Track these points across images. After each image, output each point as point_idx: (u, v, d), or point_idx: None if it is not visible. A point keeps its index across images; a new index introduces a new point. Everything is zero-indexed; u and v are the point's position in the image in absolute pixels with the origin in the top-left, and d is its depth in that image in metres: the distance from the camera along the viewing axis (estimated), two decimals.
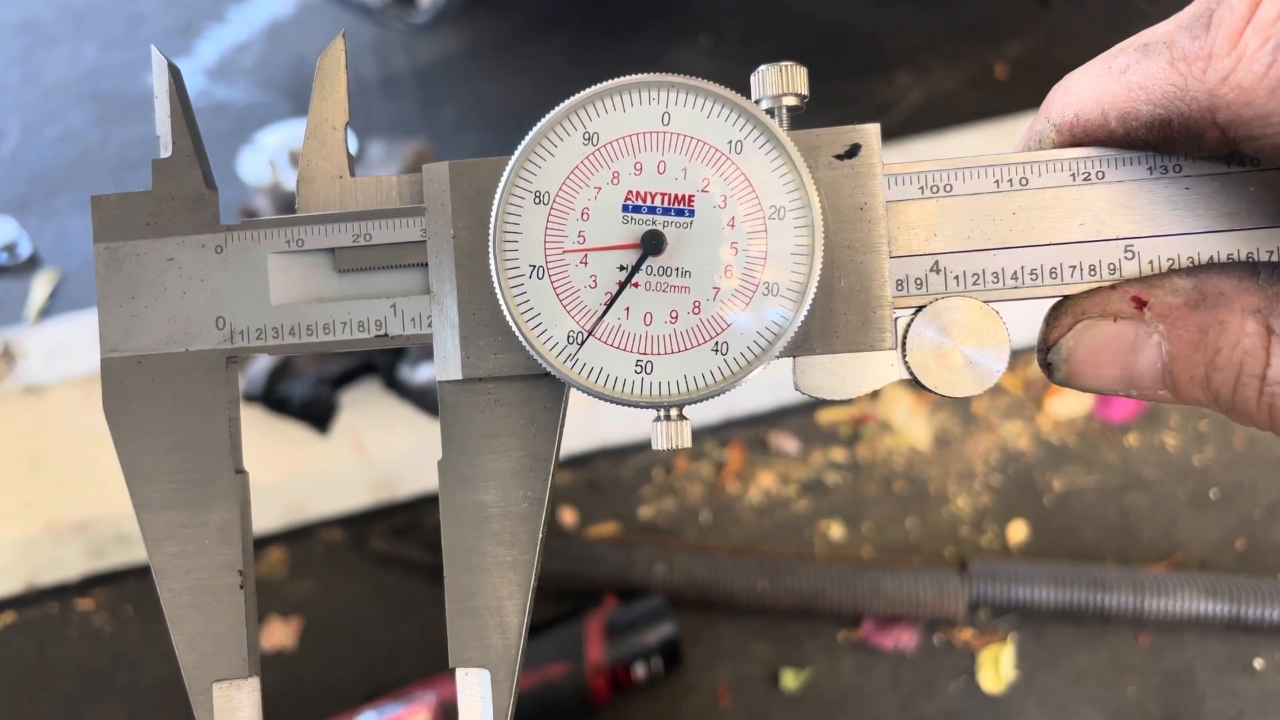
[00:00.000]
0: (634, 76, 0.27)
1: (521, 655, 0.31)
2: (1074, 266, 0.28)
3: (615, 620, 0.91)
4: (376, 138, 1.00)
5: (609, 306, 0.27)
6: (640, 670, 0.90)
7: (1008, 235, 0.28)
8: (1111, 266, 0.28)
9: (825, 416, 1.12)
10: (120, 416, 0.32)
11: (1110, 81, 0.26)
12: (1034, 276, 0.28)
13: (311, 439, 0.97)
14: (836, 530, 1.04)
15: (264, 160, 0.86)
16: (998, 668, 0.96)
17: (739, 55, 1.65)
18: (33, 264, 1.03)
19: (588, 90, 0.27)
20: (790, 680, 0.95)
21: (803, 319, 0.27)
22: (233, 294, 0.30)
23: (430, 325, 0.28)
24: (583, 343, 0.27)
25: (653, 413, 0.29)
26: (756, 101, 0.28)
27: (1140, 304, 0.27)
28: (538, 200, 0.28)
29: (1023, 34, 1.62)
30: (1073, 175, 0.29)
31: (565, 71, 1.59)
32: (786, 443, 1.10)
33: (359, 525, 1.06)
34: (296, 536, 1.05)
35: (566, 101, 0.28)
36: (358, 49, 1.64)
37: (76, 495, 0.97)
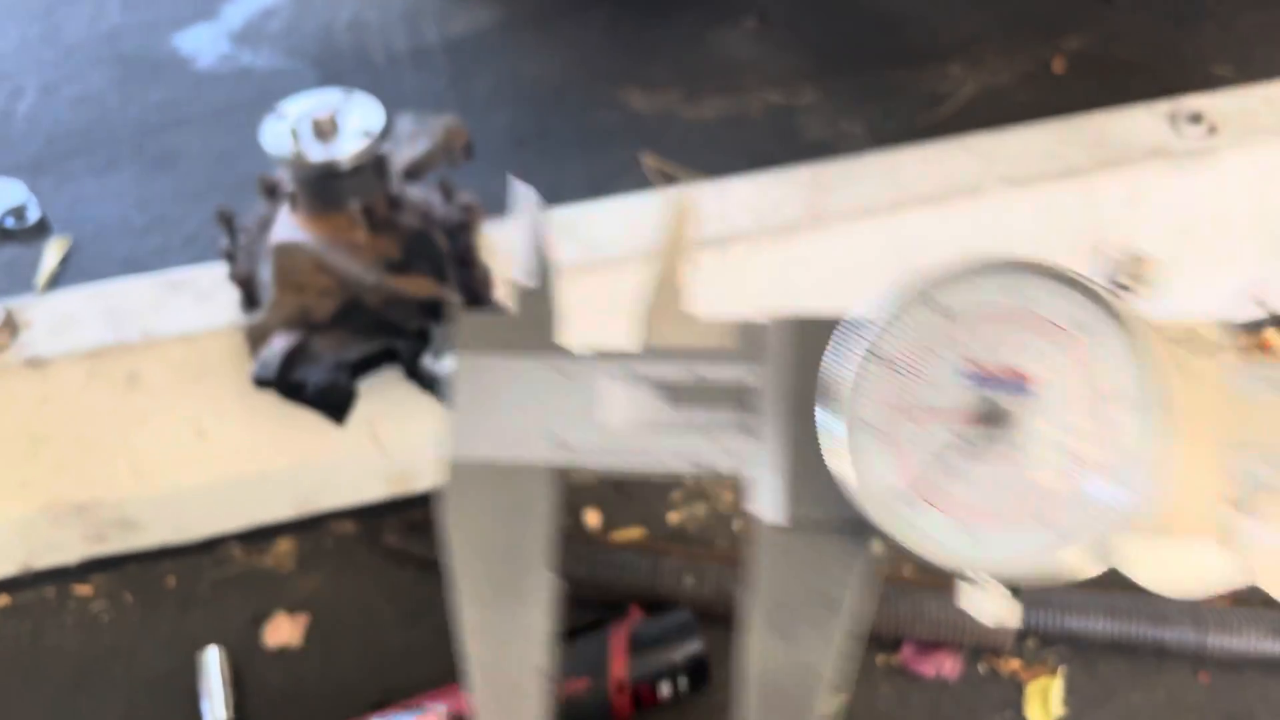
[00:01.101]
0: (1000, 258, 0.28)
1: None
2: None
3: (640, 634, 0.86)
4: (405, 111, 0.94)
5: (943, 472, 0.29)
6: (665, 689, 0.84)
7: None
8: None
9: None
10: (459, 513, 0.34)
11: None
12: None
13: (325, 426, 0.91)
14: (877, 546, 0.98)
15: (286, 130, 0.80)
16: (1046, 701, 0.90)
17: (784, 39, 1.58)
18: (41, 229, 0.98)
19: (947, 271, 0.29)
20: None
21: (1144, 504, 0.27)
22: (567, 413, 0.33)
23: (753, 468, 0.31)
24: (915, 504, 0.30)
25: (992, 602, 0.29)
26: (1107, 285, 0.28)
27: None
28: (880, 361, 0.30)
29: (1082, 28, 1.54)
30: None
31: (603, 48, 1.53)
32: None
33: (372, 518, 1.01)
34: (306, 527, 1.00)
35: (926, 278, 0.29)
36: (387, 18, 1.58)
37: (77, 476, 0.93)
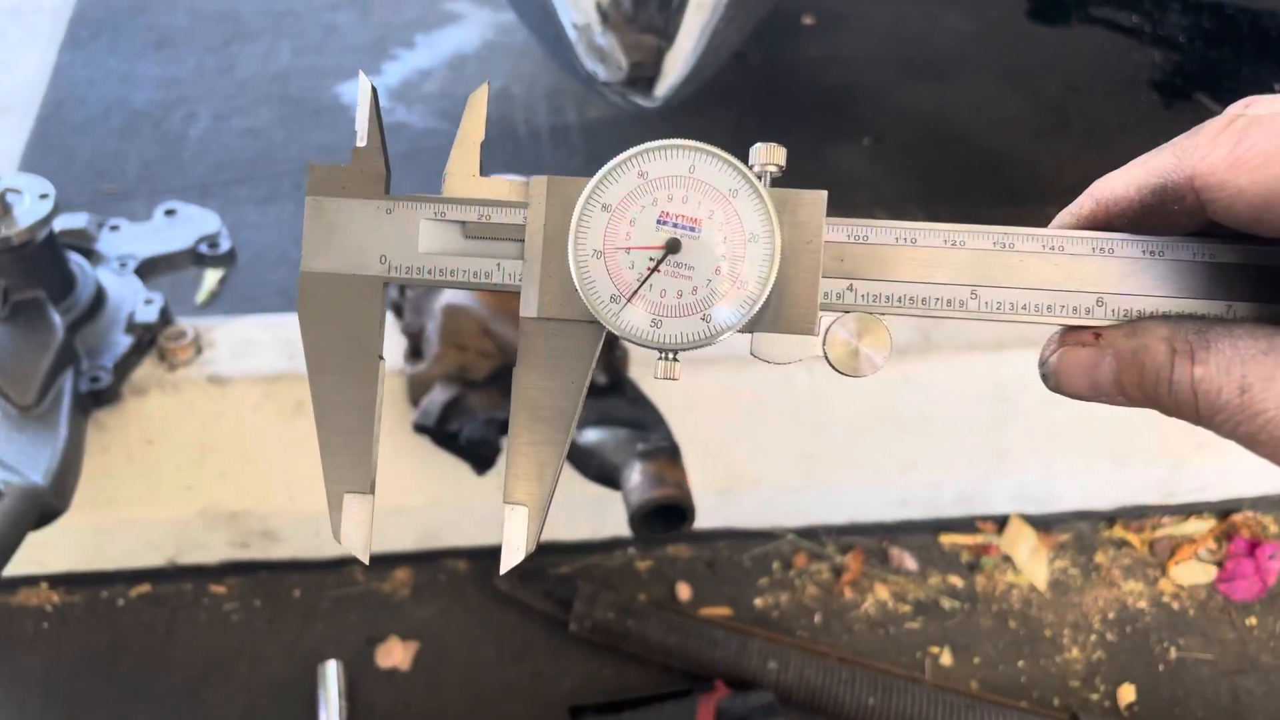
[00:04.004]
0: (675, 140, 0.41)
1: (548, 504, 0.45)
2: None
3: (727, 708, 0.93)
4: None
5: (641, 283, 0.41)
6: None
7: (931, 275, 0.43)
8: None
9: (948, 539, 1.14)
10: (308, 311, 0.44)
11: (1135, 167, 0.40)
12: (955, 306, 0.42)
13: (462, 473, 1.00)
14: (946, 658, 1.05)
15: None
16: None
17: (895, 161, 1.68)
18: (231, 258, 1.09)
19: (645, 145, 0.41)
20: None
21: (760, 306, 0.40)
22: (394, 242, 0.43)
23: (520, 279, 0.43)
24: (621, 304, 0.41)
25: (665, 364, 0.43)
26: (750, 166, 0.41)
27: (1098, 336, 0.40)
28: (603, 209, 0.41)
29: None
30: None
31: (727, 149, 1.64)
32: (907, 559, 1.11)
33: (485, 560, 1.09)
34: (424, 560, 1.09)
35: (631, 150, 0.41)
36: (532, 95, 1.71)
37: (236, 487, 1.02)
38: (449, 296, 1.00)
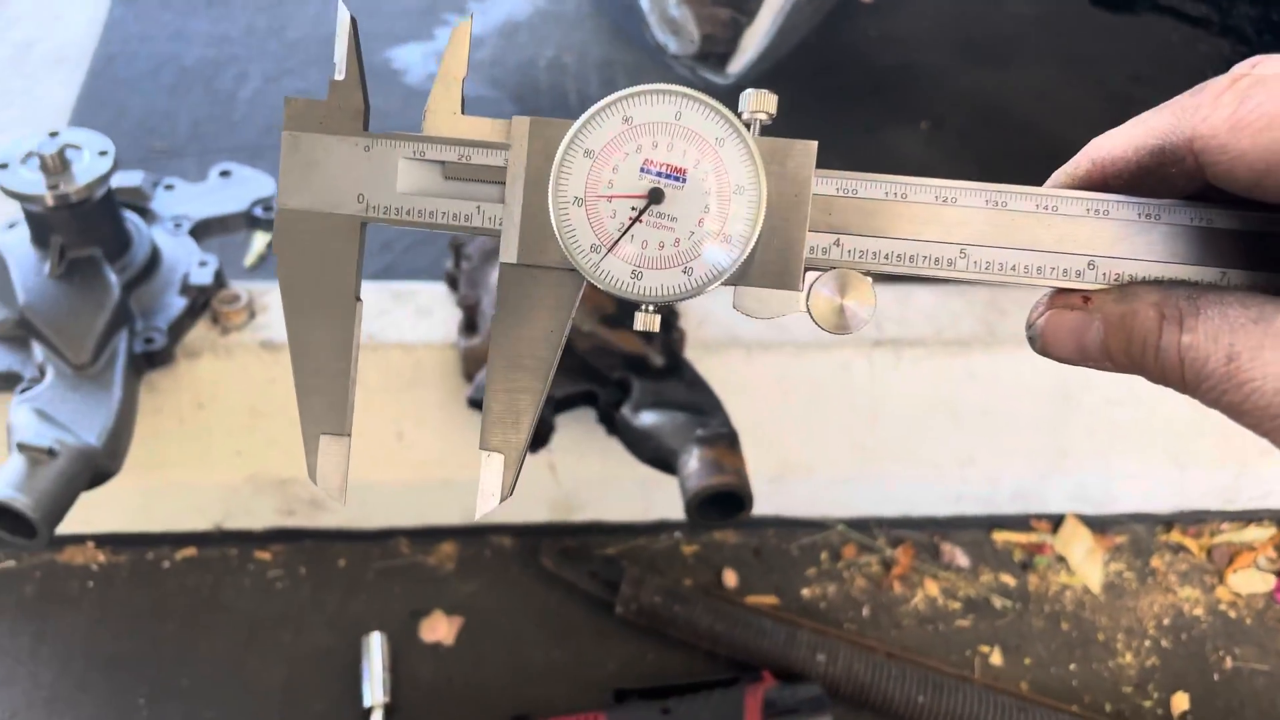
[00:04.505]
0: (661, 85, 0.39)
1: (524, 452, 0.44)
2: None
3: (774, 699, 0.91)
4: None
5: (622, 233, 0.40)
6: None
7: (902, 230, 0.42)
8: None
9: (1001, 537, 1.11)
10: (284, 249, 0.43)
11: (1133, 126, 0.38)
12: (942, 265, 0.41)
13: None
14: (997, 658, 1.03)
15: None
16: None
17: (953, 146, 1.64)
18: None
19: (630, 89, 0.39)
20: None
21: (743, 260, 0.39)
22: (372, 181, 0.42)
23: (500, 224, 0.41)
24: (602, 254, 0.40)
25: (645, 316, 0.42)
26: (739, 114, 0.40)
27: (1087, 300, 0.40)
28: (586, 155, 0.40)
29: None
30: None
31: (780, 127, 1.60)
32: (958, 555, 1.09)
33: (530, 538, 1.08)
34: (469, 535, 1.08)
35: (615, 94, 0.40)
36: (584, 65, 1.68)
37: (286, 454, 1.01)
38: None
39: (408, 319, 1.03)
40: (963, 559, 1.09)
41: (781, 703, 0.92)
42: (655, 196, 0.40)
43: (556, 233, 0.40)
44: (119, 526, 1.04)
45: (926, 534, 1.11)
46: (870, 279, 0.41)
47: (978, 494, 1.10)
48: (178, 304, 0.99)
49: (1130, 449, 1.10)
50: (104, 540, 1.05)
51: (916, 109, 1.69)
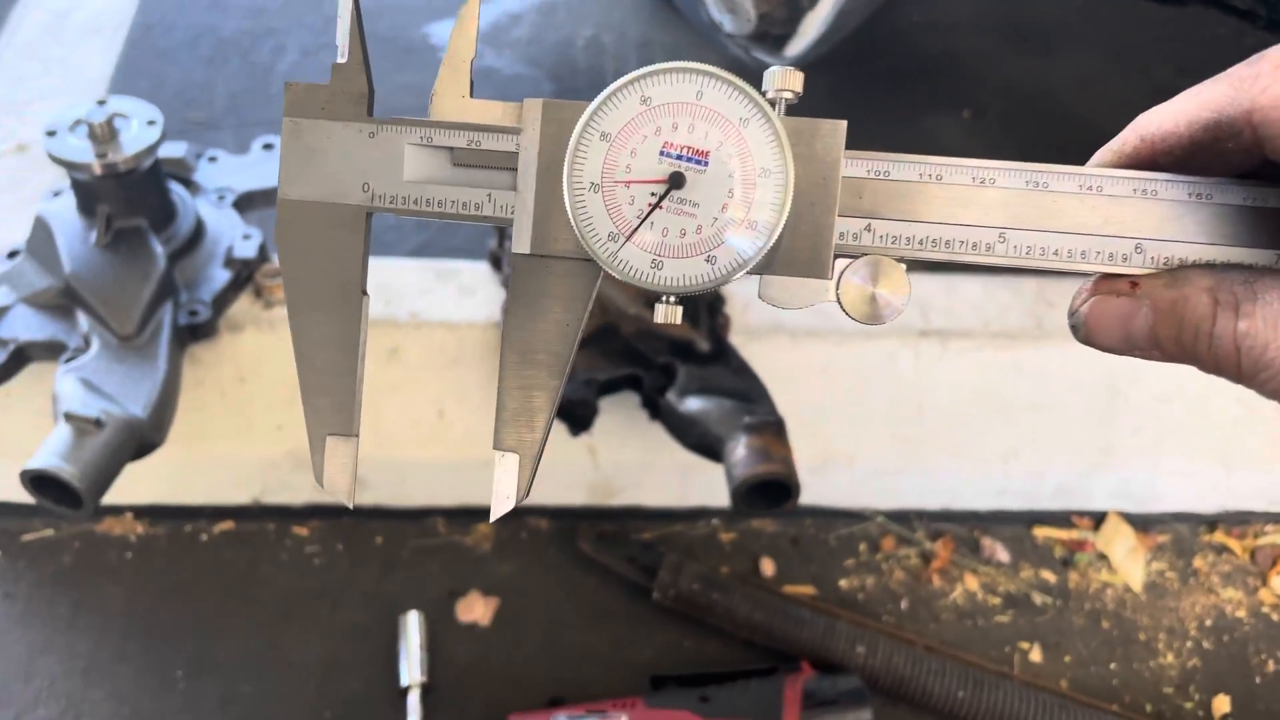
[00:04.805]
0: (681, 63, 0.38)
1: (541, 451, 0.43)
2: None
3: (814, 690, 0.91)
4: None
5: (641, 220, 0.38)
6: None
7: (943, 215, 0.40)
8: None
9: (1042, 533, 1.10)
10: (287, 241, 0.41)
11: (1184, 100, 0.36)
12: (983, 250, 0.40)
13: (553, 431, 0.98)
14: (1036, 655, 1.02)
15: None
16: None
17: (995, 136, 1.62)
18: None
19: (649, 67, 0.37)
20: None
21: (770, 247, 0.37)
22: (377, 168, 0.40)
23: (513, 212, 0.39)
24: (620, 242, 0.38)
25: (665, 308, 0.40)
26: (764, 93, 0.38)
27: (1134, 285, 0.38)
28: (602, 138, 0.38)
29: None
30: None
31: (820, 112, 1.58)
32: (999, 550, 1.08)
33: (567, 521, 1.07)
34: (506, 516, 1.07)
35: (633, 73, 0.38)
36: (622, 44, 1.66)
37: None
38: None
39: (451, 298, 1.02)
40: (1003, 554, 1.08)
41: (821, 694, 0.91)
42: (676, 181, 0.38)
43: (572, 221, 0.38)
44: (158, 498, 1.04)
45: (967, 528, 1.10)
46: (904, 266, 0.39)
47: (1020, 489, 1.09)
48: (221, 277, 0.98)
49: (1177, 447, 1.08)
50: (142, 512, 1.05)
51: (958, 97, 1.67)
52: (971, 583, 1.06)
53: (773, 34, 1.06)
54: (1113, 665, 1.02)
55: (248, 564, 1.03)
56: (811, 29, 1.03)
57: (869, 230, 0.39)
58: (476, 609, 1.01)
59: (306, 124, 0.41)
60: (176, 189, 1.01)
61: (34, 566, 1.02)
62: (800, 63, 1.10)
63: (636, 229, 0.38)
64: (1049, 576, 1.07)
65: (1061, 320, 1.06)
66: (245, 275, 1.00)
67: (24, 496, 1.00)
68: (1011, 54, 1.77)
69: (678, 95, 0.38)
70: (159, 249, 0.93)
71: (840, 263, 0.39)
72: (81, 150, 0.90)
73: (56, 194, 1.00)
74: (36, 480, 0.79)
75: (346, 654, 0.98)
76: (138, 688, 0.95)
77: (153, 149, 0.92)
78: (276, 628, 0.99)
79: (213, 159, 1.08)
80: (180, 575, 1.02)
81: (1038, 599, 1.05)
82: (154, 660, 0.96)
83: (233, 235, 1.01)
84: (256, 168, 1.08)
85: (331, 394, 0.42)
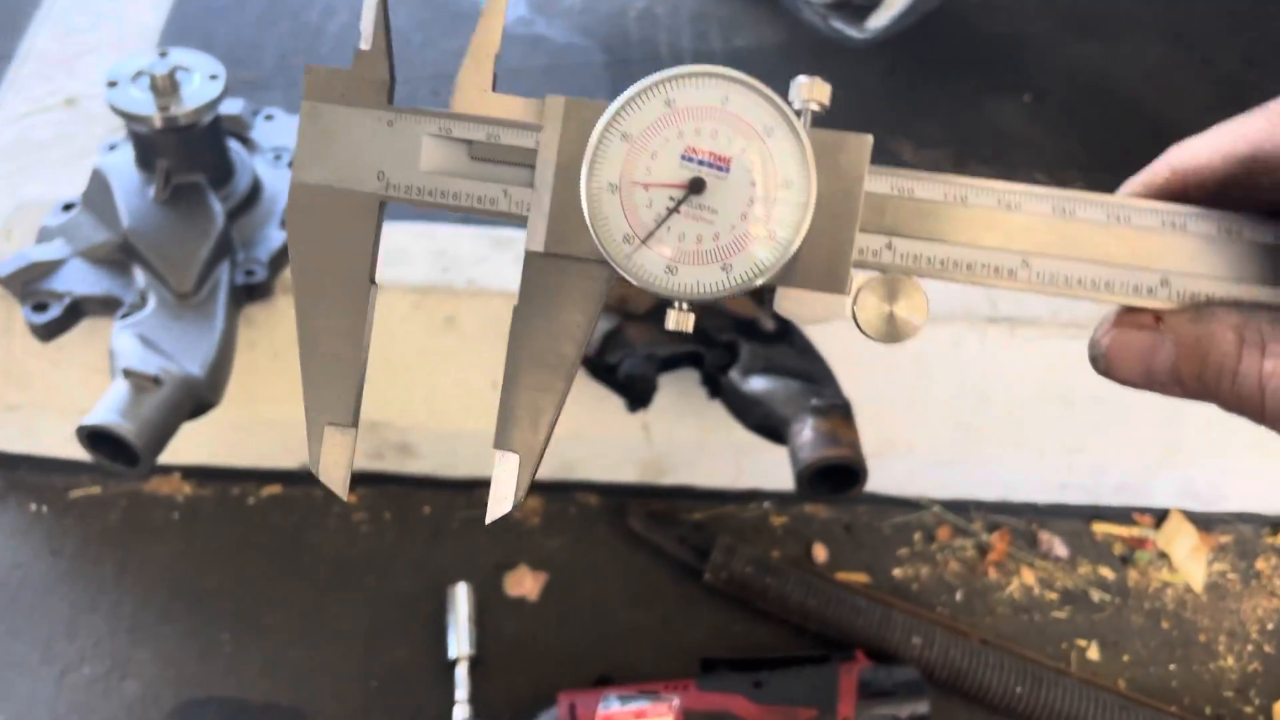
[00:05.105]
0: (708, 66, 0.37)
1: (542, 454, 0.42)
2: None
3: (870, 680, 0.89)
4: None
5: (659, 224, 0.37)
6: None
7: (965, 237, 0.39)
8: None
9: (1101, 529, 1.08)
10: (298, 226, 0.41)
11: (1220, 133, 0.36)
12: (997, 273, 0.39)
13: (609, 407, 0.96)
14: (1094, 653, 0.99)
15: None
16: None
17: (1056, 122, 1.58)
18: None
19: (673, 70, 0.37)
20: None
21: (788, 259, 0.36)
22: (393, 157, 0.40)
23: (528, 210, 0.39)
24: (635, 245, 0.37)
25: (677, 314, 0.39)
26: (790, 102, 0.37)
27: (1158, 319, 0.37)
28: (623, 139, 0.37)
29: None
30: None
31: (878, 94, 1.55)
32: (1057, 545, 1.06)
33: (616, 498, 1.06)
34: (556, 490, 1.06)
35: (657, 74, 0.38)
36: (676, 17, 1.63)
37: (380, 398, 0.99)
38: None
39: (508, 266, 1.00)
40: (1061, 549, 1.05)
41: (877, 684, 0.89)
42: (696, 186, 0.37)
43: (588, 221, 0.38)
44: (206, 459, 1.03)
45: (1025, 521, 1.07)
46: (922, 284, 0.39)
47: (1082, 483, 1.06)
48: (277, 237, 0.96)
49: (1244, 447, 1.05)
50: (190, 472, 1.04)
51: (1019, 80, 1.63)
52: (1028, 577, 1.04)
53: (854, 3, 1.03)
54: (1172, 666, 0.99)
55: (294, 529, 1.02)
56: (899, 1, 1.00)
57: (890, 248, 0.39)
58: (525, 583, 0.99)
59: (325, 108, 0.41)
60: (234, 146, 0.99)
61: (81, 523, 1.01)
62: (879, 38, 1.06)
63: (653, 232, 0.38)
64: (1108, 573, 1.05)
65: None
66: None
67: (71, 452, 0.99)
68: (1073, 39, 1.73)
69: (702, 99, 0.37)
70: (218, 206, 0.91)
71: (859, 277, 0.39)
72: (142, 102, 0.88)
73: (111, 148, 0.99)
74: (93, 436, 0.78)
75: (393, 623, 0.96)
76: (182, 650, 0.94)
77: (214, 104, 0.90)
78: (322, 595, 0.98)
79: (269, 117, 1.07)
80: (226, 538, 1.01)
81: (1096, 596, 1.03)
82: (199, 622, 0.96)
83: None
84: None
85: (333, 383, 0.42)
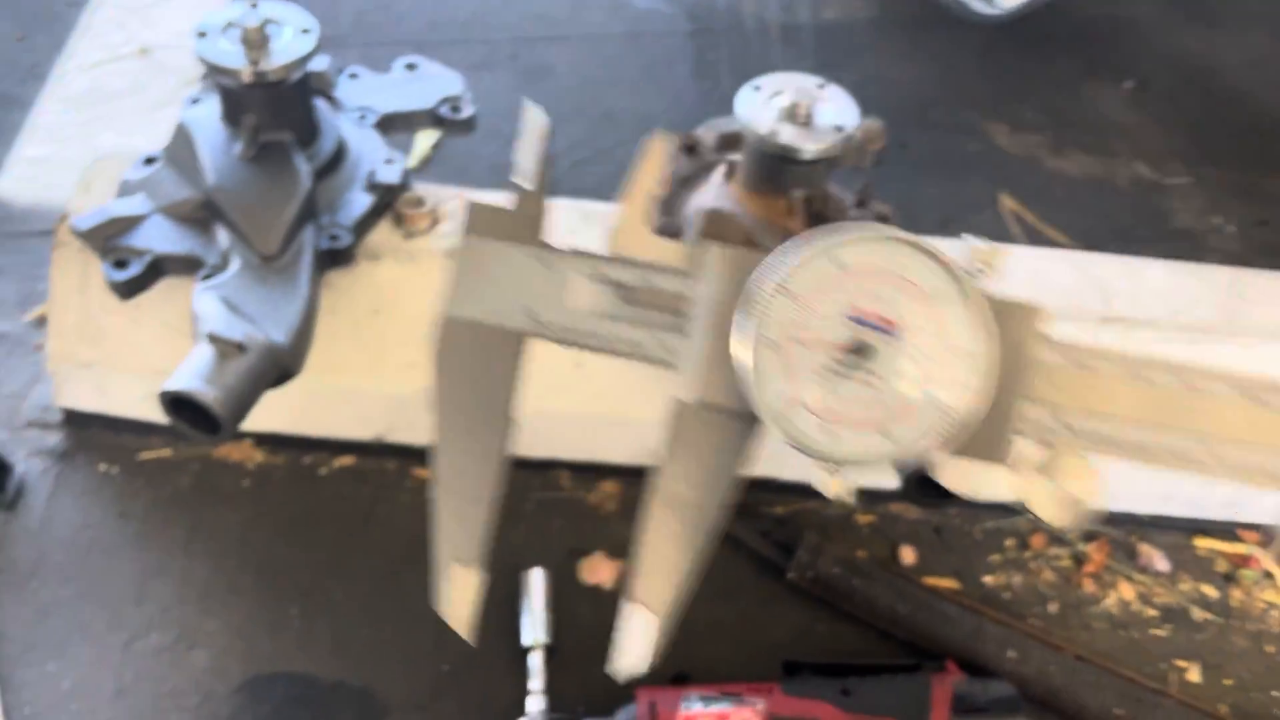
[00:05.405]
0: (880, 228, 0.36)
1: (674, 611, 0.39)
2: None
3: (964, 694, 0.85)
4: None
5: (819, 385, 0.36)
6: None
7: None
8: None
9: (1204, 544, 1.02)
10: (446, 360, 0.41)
11: None
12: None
13: None
14: (1194, 675, 0.94)
15: (762, 105, 0.80)
16: None
17: (1159, 111, 1.51)
18: (470, 125, 1.01)
19: (844, 234, 0.36)
20: None
21: (954, 429, 0.33)
22: (543, 295, 0.40)
23: (678, 356, 0.38)
24: (793, 405, 0.36)
25: (826, 470, 0.36)
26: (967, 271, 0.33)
27: None
28: (786, 295, 0.37)
29: None
30: None
31: (973, 73, 1.48)
32: (1157, 559, 1.01)
33: None
34: (633, 476, 1.02)
35: (829, 237, 0.36)
36: None
37: None
38: (711, 198, 0.91)
39: (598, 241, 0.96)
40: (1162, 563, 1.00)
41: (972, 698, 0.85)
42: (862, 349, 0.36)
43: (743, 375, 0.37)
44: (279, 427, 1.00)
45: (1123, 532, 1.02)
46: (1096, 467, 0.36)
47: (1188, 496, 1.01)
48: (362, 201, 0.93)
49: None
50: (262, 439, 1.01)
51: (1120, 67, 1.56)
52: (1127, 591, 0.99)
53: None
54: (1274, 693, 0.94)
55: (367, 503, 0.99)
56: None
57: (1059, 421, 0.37)
58: (602, 571, 0.96)
59: (484, 244, 0.40)
60: (320, 105, 0.95)
61: (151, 486, 0.99)
62: (1015, 16, 1.00)
63: (812, 392, 0.36)
64: (1210, 591, 1.00)
65: (1256, 316, 0.97)
66: (386, 201, 0.95)
67: (144, 413, 0.97)
68: (1176, 25, 1.65)
69: (872, 261, 0.36)
70: (304, 166, 0.88)
71: (1019, 446, 0.37)
72: (232, 55, 0.85)
73: (194, 101, 0.96)
74: (175, 402, 0.75)
75: None
76: (252, 622, 0.92)
77: (305, 60, 0.86)
78: (394, 572, 0.95)
79: (354, 76, 1.03)
80: (297, 508, 0.98)
81: (1197, 615, 0.98)
82: (269, 595, 0.93)
83: (374, 158, 0.95)
84: (399, 88, 1.02)
85: (464, 521, 0.42)
